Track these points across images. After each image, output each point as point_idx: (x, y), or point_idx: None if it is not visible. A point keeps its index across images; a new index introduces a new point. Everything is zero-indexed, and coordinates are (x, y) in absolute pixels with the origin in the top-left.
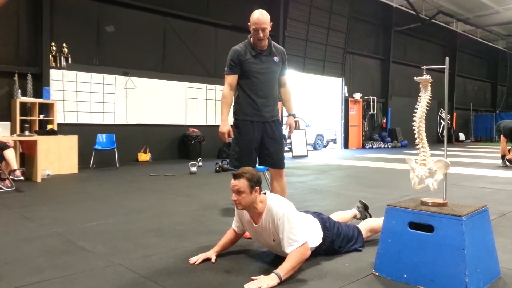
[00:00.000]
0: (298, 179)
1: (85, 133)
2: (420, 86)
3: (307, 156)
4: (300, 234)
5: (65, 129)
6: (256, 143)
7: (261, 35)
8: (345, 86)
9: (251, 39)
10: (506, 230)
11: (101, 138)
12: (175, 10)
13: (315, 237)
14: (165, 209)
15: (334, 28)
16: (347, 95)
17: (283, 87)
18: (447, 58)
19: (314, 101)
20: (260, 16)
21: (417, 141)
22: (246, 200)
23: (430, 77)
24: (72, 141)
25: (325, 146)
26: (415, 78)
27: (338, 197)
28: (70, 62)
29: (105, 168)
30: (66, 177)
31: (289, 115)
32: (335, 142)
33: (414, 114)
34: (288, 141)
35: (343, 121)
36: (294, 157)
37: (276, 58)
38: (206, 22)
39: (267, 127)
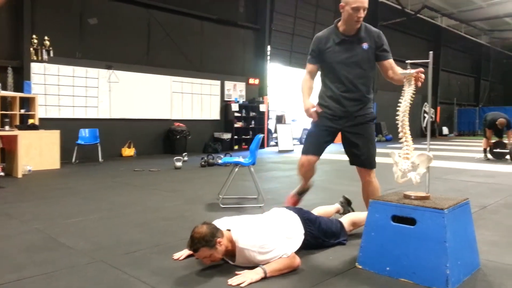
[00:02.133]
0: (283, 173)
1: (68, 127)
2: (404, 80)
3: (293, 150)
4: (279, 253)
5: (47, 123)
6: (328, 136)
7: (362, 14)
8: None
9: (340, 22)
10: (487, 223)
11: (84, 133)
12: (160, 2)
13: (295, 241)
14: (149, 205)
15: (320, 22)
16: None
17: (391, 69)
18: (431, 52)
19: (300, 96)
20: None
21: (400, 135)
22: (217, 255)
23: (414, 71)
24: (54, 136)
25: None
26: (399, 72)
27: (323, 192)
28: (52, 55)
29: (88, 163)
30: (48, 173)
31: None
32: None
33: (398, 108)
34: (274, 135)
35: None
36: (280, 151)
37: (365, 45)
38: (191, 15)
39: (353, 122)
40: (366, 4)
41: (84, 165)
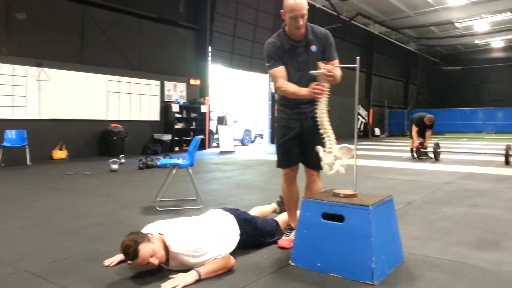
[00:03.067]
0: (224, 174)
1: None
2: (319, 80)
3: (234, 151)
4: (213, 255)
5: None
6: (295, 140)
7: (301, 22)
8: (272, 83)
9: (286, 27)
10: (411, 218)
11: (10, 134)
12: None
13: (230, 242)
14: (80, 210)
15: (261, 24)
16: (273, 91)
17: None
18: (358, 57)
19: (241, 97)
20: (298, 0)
21: (321, 131)
22: (159, 251)
23: (323, 70)
24: None
25: (252, 142)
26: (310, 72)
27: (262, 192)
28: None
29: (14, 167)
30: None
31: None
32: (262, 137)
33: (315, 107)
34: (216, 136)
35: (270, 116)
36: (221, 152)
37: (313, 47)
38: (129, 12)
39: (309, 123)
40: (304, 11)
41: (10, 169)
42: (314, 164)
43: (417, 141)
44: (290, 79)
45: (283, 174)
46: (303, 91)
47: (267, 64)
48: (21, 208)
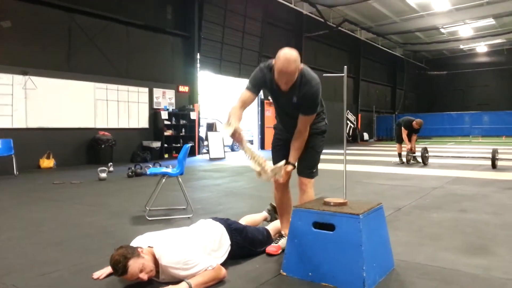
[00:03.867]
0: (214, 181)
1: None
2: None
3: (224, 158)
4: (203, 267)
5: None
6: (284, 148)
7: (283, 87)
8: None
9: (275, 72)
10: (401, 224)
11: None
12: (81, 6)
13: (220, 252)
14: (69, 221)
15: (248, 31)
16: (263, 97)
17: (302, 125)
18: (345, 66)
19: (231, 103)
20: (286, 65)
21: (250, 158)
22: (149, 264)
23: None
24: None
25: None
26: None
27: (252, 199)
28: None
29: (1, 176)
30: None
31: (287, 162)
32: (252, 143)
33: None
34: (205, 143)
35: (260, 122)
36: (211, 159)
37: (294, 98)
38: (116, 20)
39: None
40: (290, 78)
41: None
42: (304, 172)
43: (408, 142)
44: (278, 109)
45: (274, 181)
46: (234, 121)
47: (247, 84)
48: (8, 219)
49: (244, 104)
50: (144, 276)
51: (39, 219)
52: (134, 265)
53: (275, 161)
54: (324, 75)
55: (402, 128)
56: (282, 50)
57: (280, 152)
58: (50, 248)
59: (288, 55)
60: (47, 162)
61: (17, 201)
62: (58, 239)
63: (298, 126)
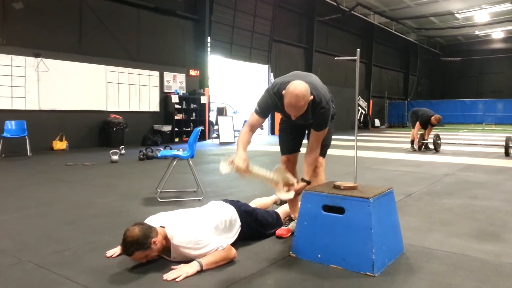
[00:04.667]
0: None
1: None
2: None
3: (234, 142)
4: (214, 247)
5: None
6: (291, 134)
7: (293, 117)
8: (271, 73)
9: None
10: (411, 210)
11: (10, 125)
12: None
13: (231, 233)
14: (81, 201)
15: (260, 15)
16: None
17: (309, 144)
18: (358, 50)
19: (241, 88)
20: (295, 100)
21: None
22: (153, 254)
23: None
24: None
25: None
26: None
27: (261, 183)
28: None
29: (15, 157)
30: None
31: (302, 180)
32: (262, 128)
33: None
34: (216, 127)
35: None
36: (221, 143)
37: (305, 120)
38: (126, 2)
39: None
40: (296, 113)
41: (10, 159)
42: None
43: (417, 136)
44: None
45: (282, 163)
46: (239, 151)
47: (256, 108)
48: (22, 199)
49: (253, 128)
50: (143, 260)
51: (53, 199)
52: (139, 254)
53: (282, 146)
54: (336, 58)
55: (418, 122)
56: (291, 84)
57: (288, 136)
58: (63, 227)
59: (297, 91)
60: (60, 144)
61: (31, 181)
62: (71, 218)
63: (310, 142)
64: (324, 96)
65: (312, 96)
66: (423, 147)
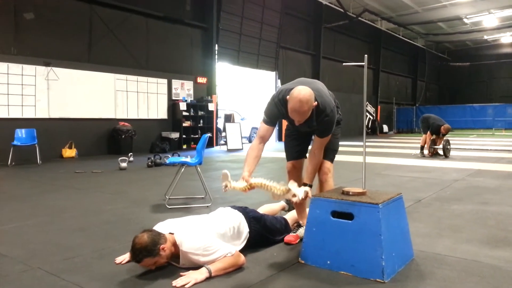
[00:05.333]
0: (232, 172)
1: (2, 128)
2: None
3: (242, 149)
4: (223, 253)
5: None
6: (297, 141)
7: (297, 123)
8: (279, 80)
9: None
10: (421, 216)
11: (20, 133)
12: None
13: (239, 240)
14: (91, 208)
15: (267, 22)
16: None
17: (312, 149)
18: (366, 55)
19: (249, 94)
20: (299, 105)
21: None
22: (162, 261)
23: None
24: None
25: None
26: (294, 187)
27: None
28: None
29: (25, 165)
30: None
31: (304, 184)
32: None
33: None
34: (223, 134)
35: None
36: (229, 150)
37: (310, 126)
38: (135, 11)
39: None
40: (305, 116)
41: (21, 167)
42: (328, 156)
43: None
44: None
45: (287, 170)
46: (245, 167)
47: (264, 117)
48: (32, 206)
49: (264, 139)
50: (151, 267)
51: (62, 206)
52: (148, 261)
53: (288, 152)
54: (344, 64)
55: (428, 132)
56: (296, 89)
57: (294, 142)
58: (73, 234)
59: (301, 96)
60: (69, 152)
61: (40, 189)
62: (81, 225)
63: (313, 148)
64: (328, 104)
65: (316, 102)
66: (434, 152)
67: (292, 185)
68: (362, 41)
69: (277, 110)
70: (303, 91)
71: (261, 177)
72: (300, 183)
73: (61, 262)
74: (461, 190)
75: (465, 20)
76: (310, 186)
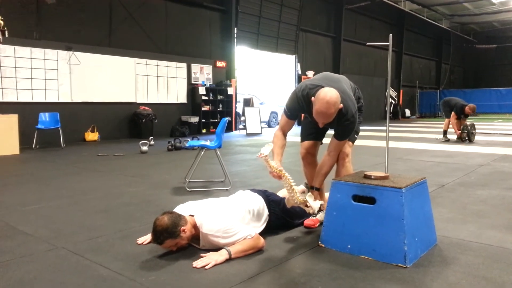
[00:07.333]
0: (251, 156)
1: (27, 112)
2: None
3: (261, 133)
4: (243, 235)
5: (4, 107)
6: (313, 128)
7: (320, 124)
8: (298, 64)
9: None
10: (444, 201)
11: (44, 117)
12: None
13: (259, 222)
14: (113, 190)
15: (286, 4)
16: (300, 72)
17: (327, 151)
18: (390, 35)
19: (268, 79)
20: (325, 107)
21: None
22: (183, 242)
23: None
24: (11, 120)
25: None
26: (306, 197)
27: (290, 173)
28: (7, 35)
29: (49, 148)
30: (6, 159)
31: (311, 187)
32: None
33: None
34: (242, 118)
35: None
36: (248, 134)
37: (330, 127)
38: None
39: None
40: (330, 119)
41: (45, 150)
42: (350, 137)
43: (457, 129)
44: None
45: (301, 156)
46: (275, 156)
47: (285, 109)
48: (56, 188)
49: (285, 131)
50: (173, 248)
51: (85, 188)
52: (169, 243)
53: (303, 131)
54: (367, 44)
55: (453, 113)
56: (322, 90)
57: (311, 123)
58: (96, 215)
59: (328, 98)
60: (91, 135)
61: (64, 171)
62: (104, 207)
63: (329, 149)
64: (350, 108)
65: (341, 105)
66: (465, 137)
67: (310, 198)
68: (385, 22)
69: (299, 106)
70: (330, 93)
71: (290, 176)
72: (314, 171)
73: (85, 242)
74: (486, 175)
75: (493, 0)
76: (318, 189)
